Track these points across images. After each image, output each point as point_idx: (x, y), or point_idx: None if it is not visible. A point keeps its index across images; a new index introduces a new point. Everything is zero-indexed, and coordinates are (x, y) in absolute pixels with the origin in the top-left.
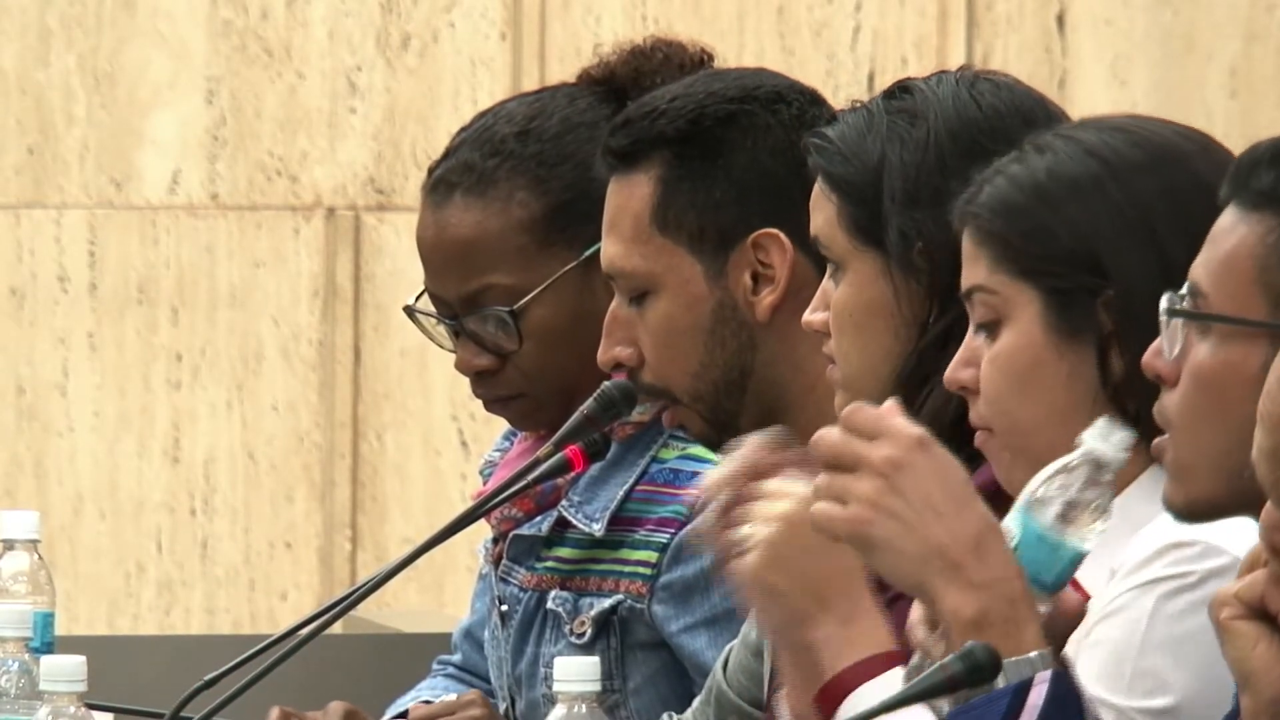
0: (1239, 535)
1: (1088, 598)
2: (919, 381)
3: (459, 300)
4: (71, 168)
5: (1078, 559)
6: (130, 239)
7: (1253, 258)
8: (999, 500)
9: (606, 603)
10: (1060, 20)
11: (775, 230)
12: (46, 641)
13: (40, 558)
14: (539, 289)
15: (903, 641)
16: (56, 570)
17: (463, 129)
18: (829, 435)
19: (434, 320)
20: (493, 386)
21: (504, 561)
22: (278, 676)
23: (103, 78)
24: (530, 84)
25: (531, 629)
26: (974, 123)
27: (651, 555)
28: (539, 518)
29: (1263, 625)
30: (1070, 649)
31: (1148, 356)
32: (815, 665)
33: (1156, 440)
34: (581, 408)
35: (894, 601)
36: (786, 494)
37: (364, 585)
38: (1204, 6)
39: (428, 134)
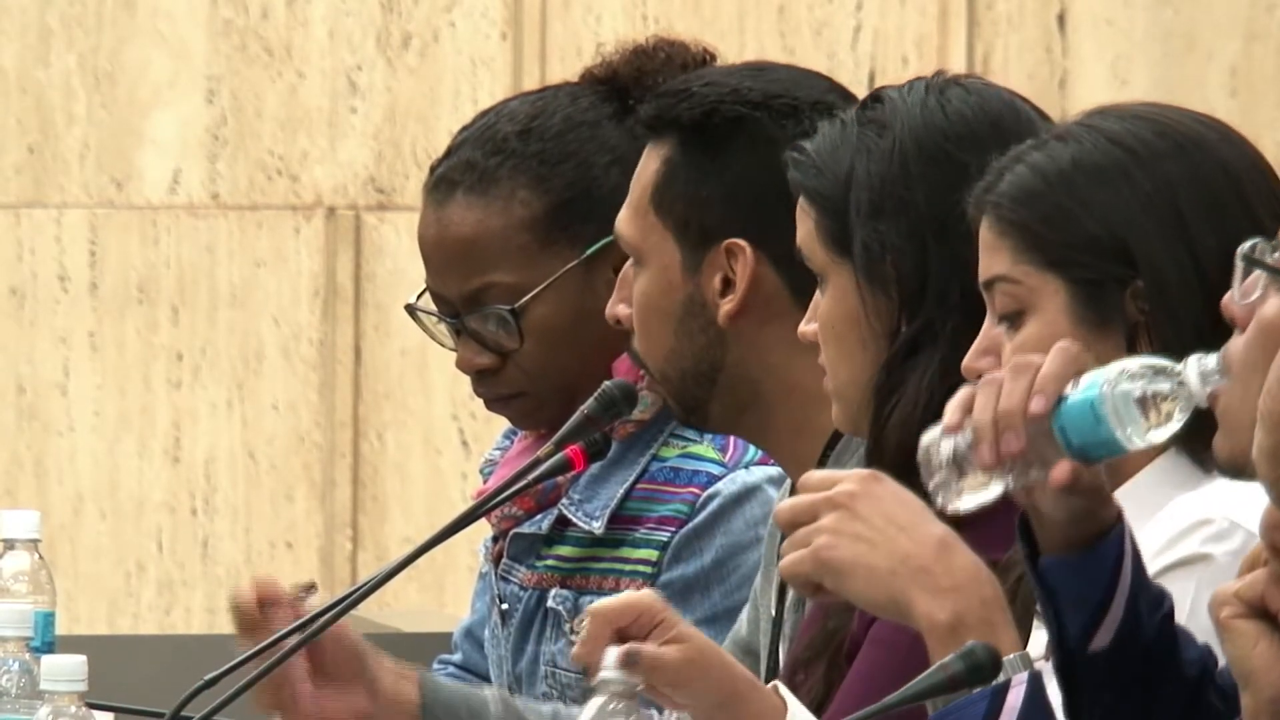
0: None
1: None
2: (887, 393)
3: (460, 299)
4: (72, 167)
5: (1110, 446)
6: (131, 238)
7: None
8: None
9: None
10: (1061, 20)
11: (743, 242)
12: (47, 641)
13: (41, 557)
14: (540, 287)
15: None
16: (57, 570)
17: (464, 128)
18: (785, 504)
19: (435, 319)
20: (494, 385)
21: (504, 560)
22: None
23: (103, 77)
24: (531, 84)
25: (532, 627)
26: (940, 130)
27: (652, 554)
28: (539, 516)
29: (1263, 624)
30: None
31: (1226, 298)
32: None
33: (1216, 386)
34: (582, 407)
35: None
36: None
37: (364, 585)
38: (1204, 6)
39: (428, 133)
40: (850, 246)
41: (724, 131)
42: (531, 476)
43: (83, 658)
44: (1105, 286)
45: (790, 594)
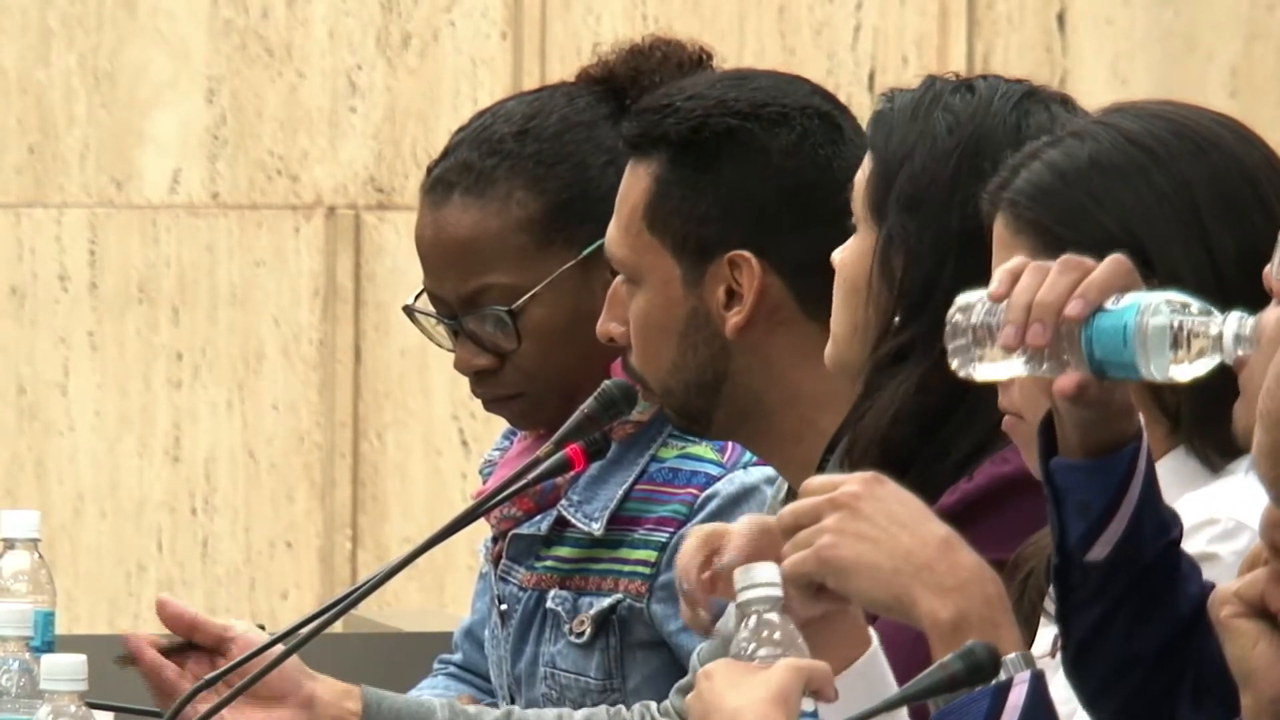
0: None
1: None
2: (868, 392)
3: (458, 300)
4: (72, 167)
5: (1128, 370)
6: (131, 238)
7: None
8: (964, 521)
9: (606, 602)
10: (1061, 19)
11: (747, 254)
12: (47, 640)
13: (41, 557)
14: (538, 288)
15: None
16: (57, 569)
17: (461, 128)
18: (787, 508)
19: (433, 320)
20: (492, 386)
21: (503, 561)
22: None
23: (103, 77)
24: (531, 83)
25: (531, 628)
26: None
27: (651, 554)
28: (538, 517)
29: (1263, 623)
30: None
31: (1267, 270)
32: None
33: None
34: (581, 407)
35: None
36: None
37: (364, 584)
38: (1205, 6)
39: (428, 133)
40: (882, 219)
41: (714, 145)
42: (531, 476)
43: (83, 657)
44: None
45: None
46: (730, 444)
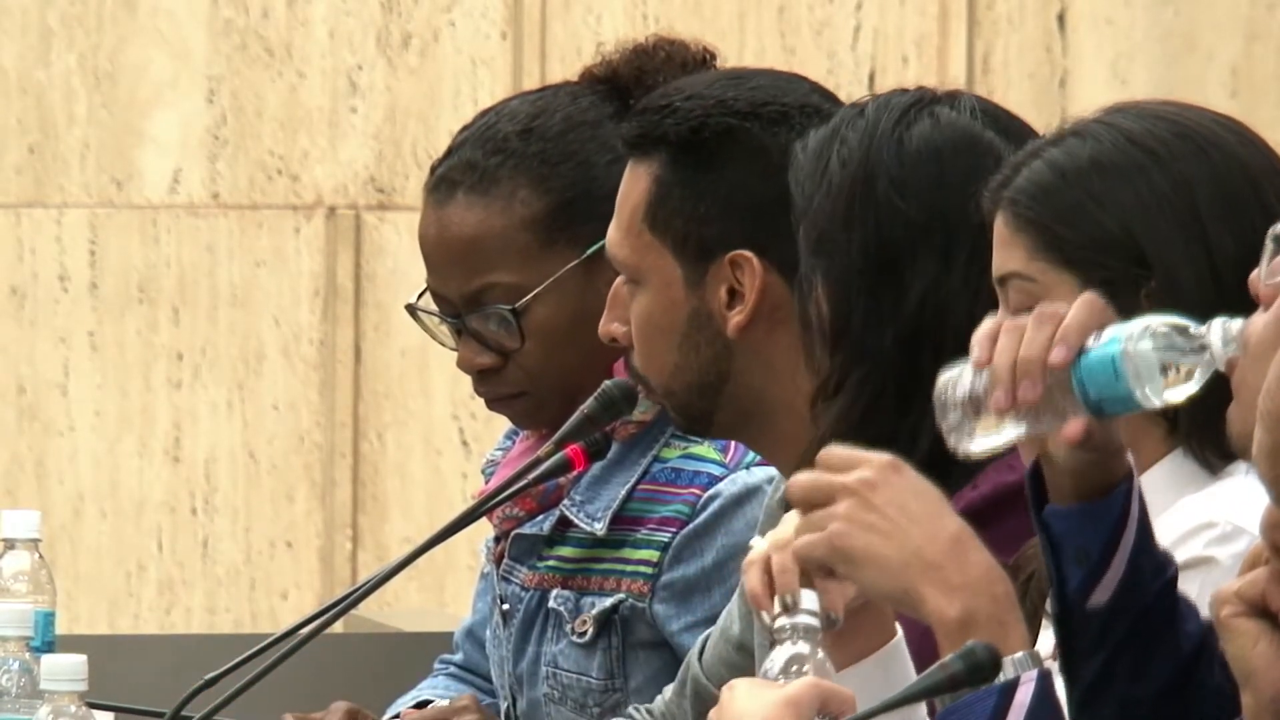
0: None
1: None
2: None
3: (461, 299)
4: (72, 167)
5: (1127, 403)
6: (131, 238)
7: None
8: (980, 521)
9: (608, 602)
10: (1061, 19)
11: (749, 253)
12: (47, 640)
13: (41, 557)
14: (541, 287)
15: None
16: (57, 569)
17: (465, 127)
18: (801, 477)
19: (436, 319)
20: (495, 385)
21: (506, 560)
22: (278, 676)
23: (103, 77)
24: (531, 83)
25: (533, 628)
26: (888, 173)
27: (653, 554)
28: (541, 517)
29: (1263, 623)
30: None
31: (1253, 275)
32: None
33: (1232, 356)
34: (583, 407)
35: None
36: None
37: (365, 584)
38: (1205, 6)
39: (428, 133)
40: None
41: (715, 144)
42: (532, 476)
43: (83, 657)
44: (1120, 286)
45: None
46: (733, 444)
